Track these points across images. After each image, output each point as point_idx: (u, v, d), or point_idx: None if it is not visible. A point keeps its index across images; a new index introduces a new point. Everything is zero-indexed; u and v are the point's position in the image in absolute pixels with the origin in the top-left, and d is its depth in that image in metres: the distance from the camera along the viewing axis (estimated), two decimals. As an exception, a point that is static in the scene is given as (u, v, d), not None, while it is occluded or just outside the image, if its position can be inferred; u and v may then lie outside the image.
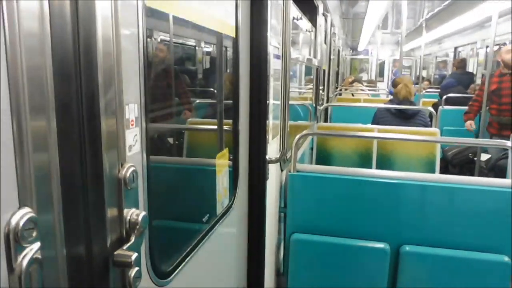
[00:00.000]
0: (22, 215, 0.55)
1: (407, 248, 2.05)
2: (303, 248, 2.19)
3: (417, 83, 8.43)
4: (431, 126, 4.00)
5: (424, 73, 11.66)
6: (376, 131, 3.54)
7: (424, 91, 8.16)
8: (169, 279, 1.04)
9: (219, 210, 1.47)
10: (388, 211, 2.13)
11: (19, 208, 0.55)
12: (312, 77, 4.68)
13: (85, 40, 0.66)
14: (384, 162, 3.50)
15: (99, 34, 0.69)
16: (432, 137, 3.40)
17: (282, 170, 2.32)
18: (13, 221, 0.54)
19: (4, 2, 0.52)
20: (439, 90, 7.39)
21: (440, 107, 5.93)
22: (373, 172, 2.36)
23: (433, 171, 3.41)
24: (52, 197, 0.62)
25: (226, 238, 1.58)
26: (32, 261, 0.56)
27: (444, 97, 6.17)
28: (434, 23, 8.13)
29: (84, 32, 0.66)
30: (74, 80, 0.65)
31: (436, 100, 6.74)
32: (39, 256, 0.57)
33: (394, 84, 4.83)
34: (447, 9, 7.03)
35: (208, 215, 1.38)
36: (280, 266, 2.47)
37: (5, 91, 0.53)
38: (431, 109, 4.29)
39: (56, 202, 0.63)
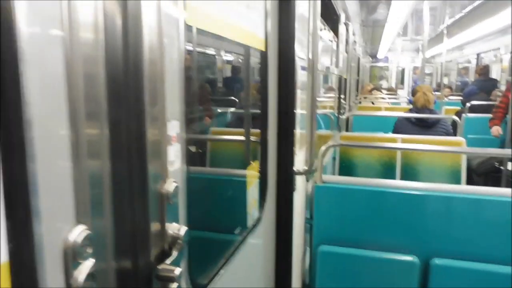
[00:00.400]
0: (79, 233, 0.56)
1: (437, 261, 2.02)
2: (330, 260, 2.17)
3: (438, 90, 8.32)
4: (453, 134, 3.94)
5: (445, 80, 11.51)
6: (400, 141, 3.51)
7: (446, 98, 8.05)
8: (205, 292, 1.05)
9: (249, 221, 1.48)
10: (414, 223, 2.11)
11: (76, 225, 0.57)
12: (330, 85, 4.68)
13: (134, 52, 0.69)
14: (408, 172, 3.46)
15: (146, 47, 0.71)
16: (459, 148, 3.34)
17: (307, 181, 2.32)
18: (71, 239, 0.56)
19: (66, 15, 0.54)
20: (461, 98, 7.29)
21: (464, 114, 5.83)
22: (399, 183, 2.34)
23: (458, 181, 3.36)
24: (104, 213, 0.64)
25: (255, 250, 1.59)
26: (88, 277, 0.57)
27: (468, 104, 6.07)
28: (455, 29, 8.04)
29: (133, 44, 0.68)
30: (124, 92, 0.67)
31: (458, 108, 6.64)
32: (93, 271, 0.59)
33: (413, 92, 4.77)
34: (468, 15, 6.95)
35: (240, 227, 1.39)
36: (305, 278, 2.45)
37: (63, 103, 0.55)
38: (455, 117, 4.23)
39: (107, 218, 0.64)
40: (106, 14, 0.63)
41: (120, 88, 0.67)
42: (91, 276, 0.58)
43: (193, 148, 1.32)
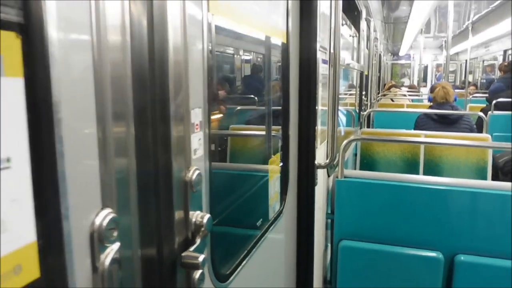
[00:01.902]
0: (105, 216, 0.57)
1: (462, 257, 1.98)
2: (352, 256, 2.15)
3: (462, 88, 8.15)
4: (477, 130, 3.85)
5: (470, 78, 11.27)
6: (423, 137, 3.45)
7: (470, 96, 7.88)
8: (227, 282, 1.05)
9: (271, 214, 1.48)
10: (438, 219, 2.07)
11: (102, 208, 0.58)
12: (351, 82, 4.63)
13: (159, 51, 0.69)
14: (431, 169, 3.40)
15: (170, 45, 0.72)
16: (485, 142, 3.26)
17: (329, 176, 2.30)
18: (97, 221, 0.56)
19: (94, 19, 0.55)
20: (486, 95, 7.12)
21: (489, 112, 5.69)
22: (422, 178, 2.30)
23: (484, 178, 3.28)
24: (130, 199, 0.64)
25: (276, 244, 1.58)
26: (113, 260, 0.58)
27: (494, 102, 5.93)
28: (481, 26, 7.86)
29: (158, 43, 0.69)
30: (149, 88, 0.68)
31: (483, 105, 6.49)
32: (118, 256, 0.60)
33: (432, 89, 4.68)
34: (495, 11, 6.78)
35: (261, 219, 1.39)
36: (326, 273, 2.44)
37: (92, 100, 0.56)
38: (481, 114, 4.14)
39: (133, 204, 0.65)
40: (132, 15, 0.64)
41: (146, 78, 0.68)
42: (117, 260, 0.59)
43: (215, 140, 1.33)
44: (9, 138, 0.43)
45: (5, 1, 0.42)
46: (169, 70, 0.72)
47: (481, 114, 3.99)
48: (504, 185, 2.07)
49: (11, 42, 0.42)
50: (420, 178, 2.28)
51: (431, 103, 4.09)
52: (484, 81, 11.43)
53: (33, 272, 0.47)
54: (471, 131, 3.71)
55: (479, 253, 1.99)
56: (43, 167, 0.47)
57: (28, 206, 0.46)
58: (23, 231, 0.45)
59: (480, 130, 4.26)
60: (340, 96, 4.33)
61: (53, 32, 0.48)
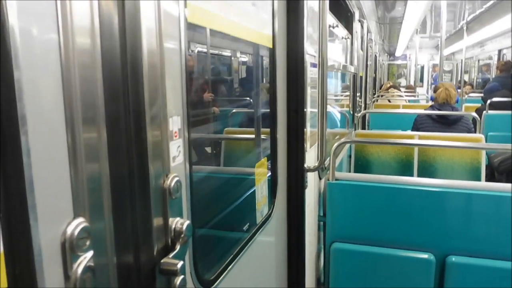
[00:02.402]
0: (76, 225, 0.57)
1: (454, 258, 1.98)
2: (344, 258, 2.16)
3: (458, 88, 8.16)
4: (474, 131, 3.86)
5: (466, 77, 11.29)
6: (417, 138, 3.46)
7: (466, 95, 7.90)
8: (212, 287, 1.05)
9: (259, 218, 1.48)
10: (431, 220, 2.07)
11: (74, 218, 0.58)
12: (347, 83, 4.64)
13: (132, 55, 0.69)
14: (426, 170, 3.41)
15: (144, 49, 0.71)
16: (477, 144, 3.27)
17: (320, 179, 2.31)
18: (69, 231, 0.57)
19: (60, 19, 0.55)
20: (482, 95, 7.14)
21: (484, 112, 5.71)
22: (415, 180, 2.30)
23: (478, 179, 3.29)
24: (103, 207, 0.65)
25: (266, 247, 1.59)
26: (86, 269, 0.58)
27: (489, 101, 5.94)
28: (475, 26, 7.88)
29: (131, 46, 0.68)
30: (122, 94, 0.68)
31: (479, 105, 6.50)
32: (92, 264, 0.60)
33: (435, 89, 4.70)
34: (489, 11, 6.80)
35: (248, 223, 1.39)
36: (320, 275, 2.44)
37: (60, 104, 0.56)
38: (474, 114, 4.15)
39: (106, 212, 0.65)
40: (102, 14, 0.63)
41: (118, 84, 0.67)
42: (90, 268, 0.59)
43: (198, 144, 1.33)
44: None
45: None
46: (143, 74, 0.71)
47: (475, 114, 4.00)
48: (497, 186, 2.07)
49: None
50: (412, 180, 2.29)
51: (432, 103, 4.11)
52: (480, 80, 11.45)
53: (1, 282, 0.47)
54: (469, 131, 3.72)
55: (471, 254, 2.00)
56: (8, 178, 0.47)
57: None
58: None
59: (475, 130, 4.27)
60: (335, 98, 4.35)
61: (16, 32, 0.47)
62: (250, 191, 1.44)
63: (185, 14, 0.85)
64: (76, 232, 0.57)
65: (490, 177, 4.40)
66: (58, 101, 0.55)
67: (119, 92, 0.67)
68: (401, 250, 2.09)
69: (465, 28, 8.03)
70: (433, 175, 3.32)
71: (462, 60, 8.76)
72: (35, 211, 0.51)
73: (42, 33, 0.53)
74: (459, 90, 7.45)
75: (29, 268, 0.51)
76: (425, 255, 2.04)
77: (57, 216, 0.56)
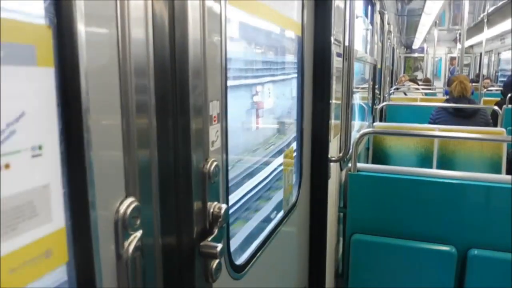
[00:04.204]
0: (128, 204, 0.59)
1: (476, 252, 1.97)
2: (364, 249, 2.16)
3: (477, 81, 8.04)
4: (493, 125, 3.81)
5: (484, 71, 11.11)
6: (437, 131, 3.42)
7: (485, 89, 7.78)
8: (242, 272, 1.06)
9: (285, 207, 1.49)
10: (452, 213, 2.06)
11: (126, 197, 0.59)
12: (363, 75, 4.60)
13: (180, 44, 0.71)
14: (445, 163, 3.38)
15: (190, 38, 0.73)
16: (499, 137, 3.23)
17: (341, 170, 2.31)
18: (121, 209, 0.58)
19: (119, 17, 0.57)
20: (501, 89, 7.02)
21: (504, 106, 5.62)
22: (436, 172, 2.29)
23: (498, 172, 3.25)
24: (152, 189, 0.66)
25: (290, 236, 1.60)
26: (136, 248, 0.60)
27: (510, 95, 5.84)
28: (496, 18, 7.73)
29: (179, 37, 0.70)
30: (170, 80, 0.69)
31: (498, 99, 6.40)
32: (140, 244, 0.61)
33: (449, 82, 4.64)
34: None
35: (276, 211, 1.40)
36: (338, 266, 2.45)
37: (116, 95, 0.57)
38: (495, 107, 4.09)
39: (154, 194, 0.67)
40: (155, 12, 0.65)
41: (167, 71, 0.69)
42: (139, 248, 0.61)
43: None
44: (41, 126, 0.44)
45: None
46: (188, 62, 0.73)
47: (496, 108, 3.94)
48: (518, 178, 2.05)
49: (43, 34, 0.44)
50: (433, 172, 2.27)
51: (447, 96, 4.06)
52: (499, 74, 11.26)
53: (62, 256, 0.49)
54: (487, 125, 3.67)
55: (493, 247, 1.98)
56: (72, 155, 0.49)
57: (58, 193, 0.47)
58: (53, 216, 0.47)
59: (495, 124, 4.21)
60: (355, 89, 4.31)
61: (81, 25, 0.49)
62: (278, 179, 1.44)
63: (226, 3, 0.86)
64: (128, 211, 0.58)
65: (509, 172, 4.35)
66: (115, 92, 0.57)
67: (168, 79, 0.69)
68: (422, 242, 2.08)
69: (485, 20, 7.88)
70: (452, 168, 3.29)
71: (481, 54, 8.60)
72: (94, 188, 0.52)
73: (102, 26, 0.55)
74: (477, 84, 7.34)
75: (87, 245, 0.52)
76: (446, 248, 2.03)
77: (112, 194, 0.57)
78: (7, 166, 0.40)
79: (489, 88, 8.34)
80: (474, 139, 3.11)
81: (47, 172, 0.46)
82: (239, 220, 1.36)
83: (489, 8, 7.72)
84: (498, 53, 12.23)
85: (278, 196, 1.52)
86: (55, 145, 0.46)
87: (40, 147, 0.44)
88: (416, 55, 17.38)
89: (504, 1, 6.88)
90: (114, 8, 0.56)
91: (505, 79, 8.14)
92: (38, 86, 0.43)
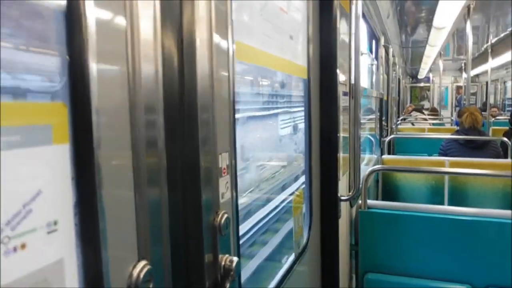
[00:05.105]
0: (141, 267, 0.58)
1: (494, 291, 1.92)
2: (378, 289, 2.11)
3: (484, 110, 8.04)
4: (502, 156, 3.78)
5: (491, 99, 11.11)
6: (447, 163, 3.40)
7: (493, 118, 7.76)
8: (255, 323, 1.04)
9: (296, 250, 1.47)
10: (466, 250, 2.02)
11: (138, 261, 0.59)
12: (370, 106, 4.63)
13: (189, 89, 0.72)
14: (457, 196, 3.33)
15: (199, 85, 0.74)
16: (509, 172, 3.19)
17: (351, 206, 2.28)
18: (134, 274, 0.57)
19: (129, 53, 0.58)
20: (509, 117, 7.00)
21: (513, 135, 5.58)
22: (449, 208, 2.26)
23: (510, 206, 3.20)
24: (163, 248, 0.66)
25: (302, 279, 1.57)
26: None
27: (517, 124, 5.81)
28: (500, 48, 7.80)
29: (188, 82, 0.71)
30: (180, 123, 0.70)
31: (506, 128, 6.37)
32: None
33: (460, 114, 4.64)
34: (514, 33, 6.74)
35: (286, 256, 1.38)
36: (352, 306, 2.39)
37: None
38: (504, 138, 4.07)
39: (165, 251, 0.66)
40: (164, 48, 0.66)
41: (176, 119, 0.70)
42: None
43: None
44: (56, 202, 0.45)
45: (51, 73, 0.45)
46: (199, 114, 0.74)
47: (505, 139, 3.91)
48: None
49: (59, 112, 0.45)
50: (446, 208, 2.24)
51: (457, 127, 4.05)
52: (506, 102, 11.26)
53: None
54: (498, 155, 3.64)
55: (510, 286, 1.93)
56: (87, 227, 0.49)
57: (72, 266, 0.47)
58: None
59: (505, 155, 4.18)
60: (361, 122, 4.32)
61: (93, 64, 0.50)
62: (288, 222, 1.43)
63: (233, 53, 0.88)
64: (141, 275, 0.58)
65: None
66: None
67: (177, 131, 0.70)
68: (437, 281, 2.04)
69: (489, 50, 7.95)
70: (464, 202, 3.24)
71: (487, 82, 8.64)
72: (107, 257, 0.52)
73: (113, 65, 0.55)
74: (485, 113, 7.33)
75: None
76: (462, 287, 1.98)
77: (124, 257, 0.57)
78: (23, 246, 0.40)
79: (497, 117, 8.32)
80: (485, 175, 3.08)
81: (62, 247, 0.46)
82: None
83: (493, 39, 7.81)
84: (504, 82, 12.27)
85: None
86: (70, 219, 0.47)
87: (55, 223, 0.44)
88: (422, 84, 17.47)
89: (506, 32, 6.96)
90: (125, 46, 0.57)
91: (512, 108, 8.14)
92: (54, 163, 0.44)
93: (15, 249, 0.39)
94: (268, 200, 1.67)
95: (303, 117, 1.62)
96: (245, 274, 1.19)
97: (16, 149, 0.39)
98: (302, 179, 1.68)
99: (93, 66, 0.50)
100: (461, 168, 3.22)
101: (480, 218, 2.00)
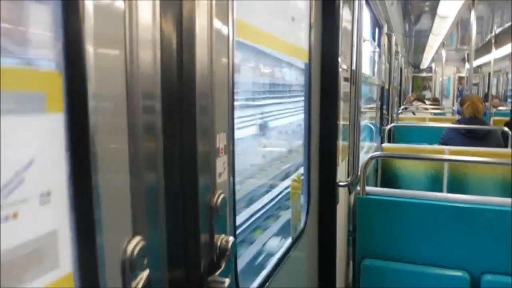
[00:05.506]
0: (136, 243, 0.58)
1: (489, 277, 1.93)
2: (375, 275, 2.12)
3: (486, 101, 8.00)
4: (504, 146, 3.77)
5: (493, 90, 11.06)
6: (447, 152, 3.39)
7: (494, 109, 7.73)
8: (251, 304, 1.05)
9: (293, 234, 1.48)
10: (464, 237, 2.03)
11: (133, 236, 0.59)
12: (371, 95, 4.61)
13: (187, 73, 0.71)
14: (456, 185, 3.33)
15: (198, 71, 0.73)
16: (509, 160, 3.19)
17: (350, 193, 2.29)
18: (129, 249, 0.57)
19: (127, 38, 0.57)
20: (510, 108, 6.99)
21: (514, 126, 5.56)
22: (448, 196, 2.26)
23: (510, 193, 3.20)
24: (158, 225, 0.65)
25: (299, 264, 1.58)
26: (144, 287, 0.59)
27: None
28: (504, 38, 7.74)
29: (187, 67, 0.71)
30: (178, 107, 0.69)
31: (508, 118, 6.35)
32: (148, 283, 0.60)
33: (462, 103, 4.62)
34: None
35: (284, 239, 1.39)
36: (349, 291, 2.40)
37: (123, 115, 0.57)
38: (505, 128, 4.06)
39: (161, 229, 0.66)
40: (163, 33, 0.65)
41: (174, 97, 0.69)
42: (147, 287, 0.60)
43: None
44: (50, 173, 0.44)
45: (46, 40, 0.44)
46: (196, 94, 0.73)
47: (506, 128, 3.90)
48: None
49: (54, 81, 0.44)
50: (445, 196, 2.24)
51: (458, 116, 4.03)
52: (509, 93, 11.21)
53: None
54: (499, 145, 3.63)
55: (507, 273, 1.94)
56: (81, 200, 0.49)
57: (65, 238, 0.47)
58: (60, 262, 0.47)
59: (505, 145, 4.17)
60: (362, 110, 4.31)
61: (90, 47, 0.49)
62: (285, 205, 1.43)
63: (233, 36, 0.87)
64: (136, 251, 0.58)
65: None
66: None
67: (175, 105, 0.69)
68: (433, 267, 2.05)
69: (493, 41, 7.89)
70: (463, 190, 3.24)
71: (489, 73, 8.59)
72: (101, 230, 0.52)
73: (110, 49, 0.55)
74: (486, 104, 7.30)
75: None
76: (458, 273, 2.00)
77: (119, 234, 0.57)
78: (15, 215, 0.40)
79: (499, 108, 8.29)
80: (484, 163, 3.08)
81: (55, 218, 0.46)
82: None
83: (497, 29, 7.74)
84: (507, 73, 12.20)
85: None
86: (64, 191, 0.47)
87: (48, 194, 0.44)
88: (424, 74, 17.38)
89: (510, 23, 6.89)
90: (123, 29, 0.56)
91: (514, 98, 8.11)
92: (48, 132, 0.44)
93: (6, 218, 0.39)
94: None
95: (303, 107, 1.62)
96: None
97: (8, 115, 0.39)
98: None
99: (90, 48, 0.49)
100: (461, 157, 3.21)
101: (478, 205, 2.01)
